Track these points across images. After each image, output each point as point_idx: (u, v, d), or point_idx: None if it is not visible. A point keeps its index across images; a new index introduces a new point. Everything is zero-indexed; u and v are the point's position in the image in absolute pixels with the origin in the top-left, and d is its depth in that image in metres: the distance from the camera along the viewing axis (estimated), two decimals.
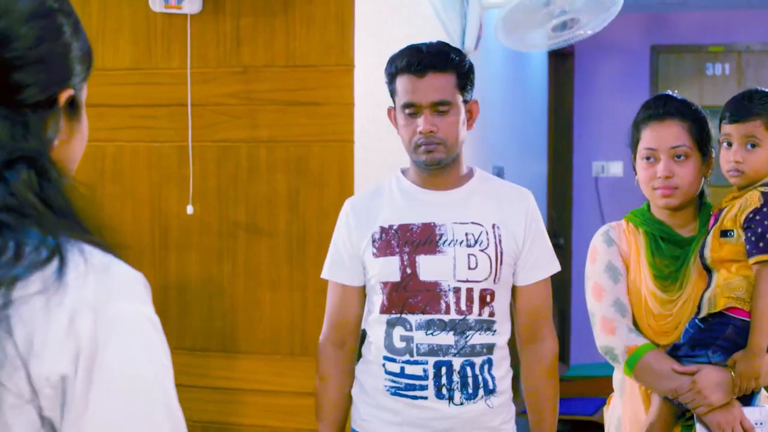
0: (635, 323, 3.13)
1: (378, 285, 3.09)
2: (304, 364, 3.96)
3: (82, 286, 1.25)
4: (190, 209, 4.04)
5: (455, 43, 5.12)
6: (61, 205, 1.29)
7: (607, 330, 3.11)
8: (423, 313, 3.03)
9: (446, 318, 3.02)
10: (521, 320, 3.19)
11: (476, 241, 3.05)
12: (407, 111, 3.05)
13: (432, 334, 3.02)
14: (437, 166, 3.07)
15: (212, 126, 4.07)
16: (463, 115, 3.07)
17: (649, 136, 3.12)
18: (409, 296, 3.05)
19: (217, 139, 4.07)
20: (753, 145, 3.01)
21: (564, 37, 5.05)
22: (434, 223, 3.07)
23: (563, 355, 8.17)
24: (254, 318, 4.06)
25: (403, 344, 3.05)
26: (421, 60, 3.03)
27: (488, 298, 3.05)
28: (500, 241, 3.07)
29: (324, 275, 3.24)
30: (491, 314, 3.06)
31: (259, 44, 4.01)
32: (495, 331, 3.07)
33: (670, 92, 3.23)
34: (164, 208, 4.14)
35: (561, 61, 8.66)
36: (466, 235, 3.05)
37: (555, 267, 3.19)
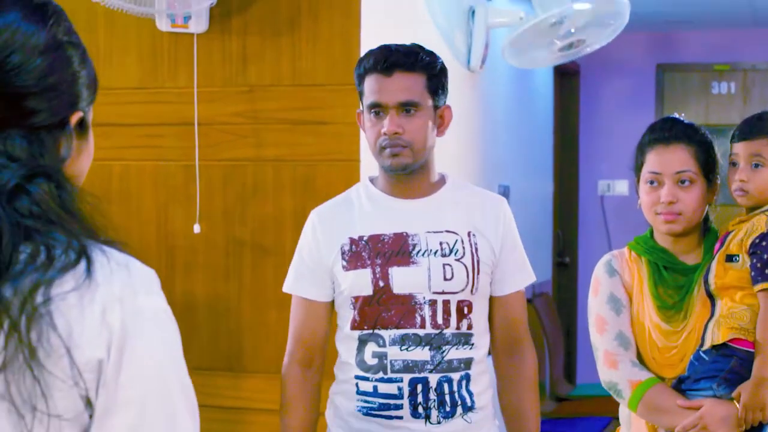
0: (640, 356, 3.04)
1: (349, 300, 2.94)
2: None
3: (109, 282, 1.42)
4: (197, 228, 4.05)
5: (461, 62, 5.13)
6: (77, 213, 1.46)
7: (610, 364, 3.02)
8: (397, 327, 2.89)
9: (421, 332, 2.88)
10: (499, 333, 3.06)
11: (451, 251, 2.92)
12: (373, 111, 2.91)
13: (407, 349, 2.88)
14: (403, 172, 2.92)
15: (218, 145, 4.08)
16: (432, 120, 2.93)
17: (653, 160, 3.04)
18: (382, 310, 2.90)
19: (224, 158, 4.08)
20: (758, 165, 2.96)
21: (570, 54, 5.07)
22: (407, 232, 2.93)
23: (569, 375, 8.15)
24: (260, 337, 4.05)
25: (375, 361, 2.91)
26: (388, 58, 2.90)
27: (466, 310, 2.93)
28: (476, 249, 2.94)
29: (287, 289, 3.10)
30: (469, 327, 2.93)
31: (265, 63, 4.02)
32: (473, 344, 2.94)
33: (676, 115, 3.17)
34: (170, 227, 4.15)
35: (567, 79, 8.66)
36: (441, 244, 2.92)
37: (531, 277, 3.09)
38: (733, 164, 3.02)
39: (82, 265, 1.41)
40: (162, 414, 1.44)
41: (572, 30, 4.81)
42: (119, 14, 4.06)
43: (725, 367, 2.87)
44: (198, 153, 4.06)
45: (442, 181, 3.04)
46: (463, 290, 2.91)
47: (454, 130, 3.47)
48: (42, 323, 1.37)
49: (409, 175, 2.94)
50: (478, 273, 2.93)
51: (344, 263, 2.94)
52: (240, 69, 4.06)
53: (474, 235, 2.95)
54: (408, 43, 3.02)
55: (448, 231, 2.94)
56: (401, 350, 2.88)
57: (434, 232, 2.93)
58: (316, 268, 3.01)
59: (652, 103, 8.81)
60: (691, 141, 3.03)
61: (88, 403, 1.41)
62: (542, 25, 4.77)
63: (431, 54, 2.97)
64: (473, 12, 5.18)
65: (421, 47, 2.98)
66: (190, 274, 4.12)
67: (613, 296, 3.06)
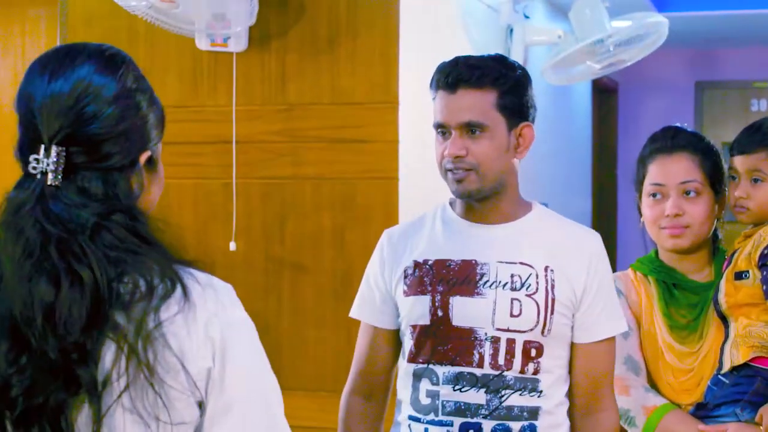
0: (652, 382, 2.85)
1: (408, 328, 2.66)
2: None
3: (203, 301, 1.65)
4: (232, 246, 4.06)
5: None
6: (154, 241, 1.66)
7: (620, 390, 2.77)
8: (452, 364, 2.56)
9: (478, 372, 2.54)
10: (577, 385, 2.65)
11: (523, 284, 2.57)
12: (439, 131, 2.63)
13: (461, 390, 2.55)
14: (470, 199, 2.62)
15: (257, 163, 4.09)
16: (505, 141, 2.60)
17: (655, 171, 2.86)
18: (438, 343, 2.59)
19: (262, 176, 4.09)
20: (757, 180, 2.76)
21: (607, 69, 5.06)
22: (476, 260, 2.60)
23: None
24: (299, 355, 4.06)
25: (428, 401, 2.59)
26: (452, 73, 2.59)
27: (534, 353, 2.56)
28: (552, 286, 2.57)
29: (353, 314, 2.85)
30: (537, 371, 2.56)
31: (304, 82, 4.04)
32: (541, 392, 2.56)
33: (680, 125, 2.98)
34: (209, 245, 4.16)
35: (605, 97, 8.65)
36: (512, 276, 2.57)
37: (620, 326, 2.66)
38: (732, 178, 2.83)
39: (179, 290, 1.62)
40: (262, 407, 1.70)
41: (611, 49, 4.80)
42: (160, 33, 4.10)
43: (749, 389, 2.68)
44: (236, 171, 4.08)
45: (527, 208, 2.71)
46: (531, 330, 2.56)
47: None
48: (157, 345, 1.58)
49: (482, 200, 2.63)
50: (551, 313, 2.56)
51: (405, 288, 2.66)
52: (279, 87, 4.07)
53: (552, 270, 2.59)
54: (489, 53, 2.72)
55: (522, 263, 2.60)
56: (454, 390, 2.56)
57: (506, 263, 2.59)
58: (380, 292, 2.74)
59: (691, 121, 8.78)
60: (696, 149, 2.86)
61: (200, 406, 1.64)
62: (586, 47, 4.77)
63: (506, 66, 2.63)
64: (511, 30, 5.17)
65: (497, 58, 2.66)
66: None
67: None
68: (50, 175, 1.63)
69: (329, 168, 4.01)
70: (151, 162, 1.74)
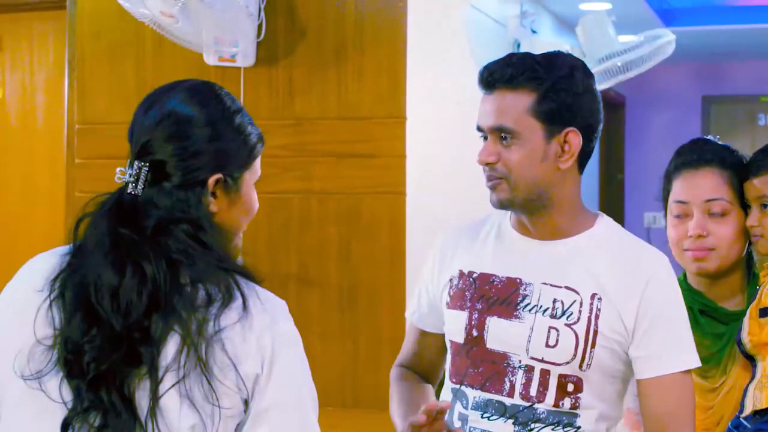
0: None
1: (448, 342, 2.47)
2: (356, 415, 3.94)
3: (260, 313, 1.87)
4: (239, 260, 4.05)
5: None
6: (213, 247, 1.90)
7: (632, 425, 2.55)
8: (482, 389, 2.36)
9: (507, 401, 2.33)
10: (646, 426, 2.37)
11: (564, 312, 2.31)
12: (480, 135, 2.38)
13: (488, 418, 2.34)
14: (506, 209, 2.41)
15: (264, 178, 4.04)
16: (540, 149, 2.31)
17: (679, 188, 2.60)
18: (470, 365, 2.38)
19: (269, 190, 4.09)
20: (766, 206, 2.53)
21: (612, 81, 5.07)
22: (521, 279, 2.37)
23: None
24: None
25: (459, 424, 2.39)
26: (493, 70, 2.34)
27: (571, 387, 2.31)
28: (597, 317, 2.30)
29: (406, 313, 2.65)
30: (575, 407, 2.31)
31: (311, 96, 4.04)
32: (579, 428, 2.31)
33: (711, 137, 2.76)
34: None
35: (612, 111, 8.65)
36: (554, 302, 2.32)
37: (690, 361, 2.33)
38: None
39: (239, 300, 1.85)
40: (297, 411, 1.88)
41: (619, 64, 4.80)
42: (167, 48, 4.11)
43: None
44: None
45: (588, 223, 2.43)
46: (568, 363, 2.30)
47: None
48: (216, 347, 1.80)
49: (528, 213, 2.38)
50: (592, 346, 2.30)
51: (448, 299, 2.46)
52: (286, 102, 4.08)
53: (599, 299, 2.31)
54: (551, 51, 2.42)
55: (568, 288, 2.33)
56: (482, 417, 2.35)
57: (551, 286, 2.34)
58: (429, 296, 2.55)
59: (698, 135, 8.77)
60: (725, 164, 2.59)
61: (245, 403, 1.84)
62: (590, 63, 4.78)
63: (552, 65, 2.34)
64: (518, 45, 5.18)
65: (550, 55, 2.38)
66: None
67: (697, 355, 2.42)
68: (130, 186, 1.90)
69: (336, 182, 4.01)
70: (227, 185, 1.98)
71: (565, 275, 2.34)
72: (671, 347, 2.31)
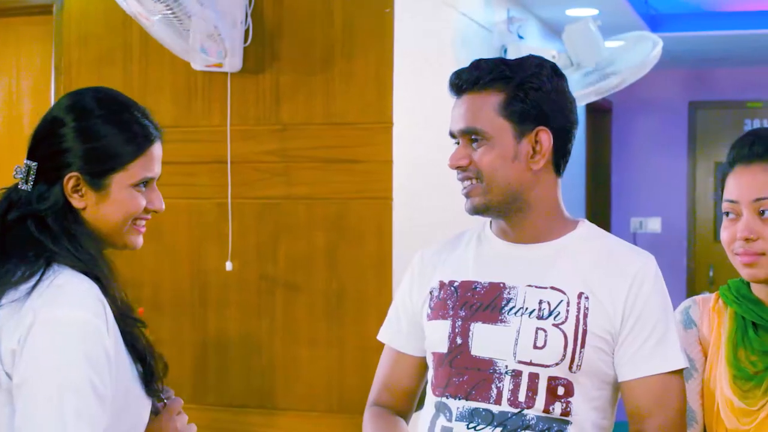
0: None
1: (429, 356, 2.40)
2: (341, 420, 3.95)
3: (40, 296, 1.95)
4: (229, 266, 4.06)
5: None
6: (49, 238, 2.02)
7: None
8: (467, 398, 2.27)
9: (495, 409, 2.24)
10: (630, 427, 2.30)
11: (551, 313, 2.25)
12: (453, 142, 2.36)
13: (474, 428, 2.25)
14: (481, 215, 2.36)
15: (251, 183, 4.10)
16: (511, 149, 2.28)
17: (731, 185, 2.30)
18: (454, 374, 2.30)
19: (256, 196, 4.10)
20: (764, 212, 2.26)
21: (599, 90, 5.08)
22: (504, 284, 2.31)
23: None
24: (292, 374, 4.06)
25: None
26: (459, 75, 2.35)
27: (561, 391, 2.24)
28: (585, 315, 2.24)
29: (379, 336, 2.56)
30: (566, 413, 2.23)
31: (298, 102, 4.05)
32: None
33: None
34: (203, 265, 4.16)
35: (599, 116, 8.66)
36: (540, 303, 2.27)
37: (676, 362, 2.27)
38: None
39: (32, 282, 1.96)
40: (47, 392, 1.90)
41: (606, 72, 4.82)
42: (154, 53, 4.11)
43: None
44: (231, 191, 4.08)
45: (570, 227, 2.38)
46: (557, 364, 2.23)
47: None
48: None
49: (505, 217, 2.35)
50: (582, 346, 2.23)
51: (429, 311, 2.39)
52: (273, 107, 4.08)
53: (587, 298, 2.26)
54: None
55: (553, 288, 2.28)
56: (468, 428, 2.26)
57: (536, 287, 2.29)
58: (407, 317, 2.48)
59: (685, 141, 8.80)
60: None
61: (9, 377, 1.94)
62: (578, 72, 4.79)
63: (520, 66, 2.32)
64: (505, 50, 5.19)
65: (524, 57, 2.36)
66: (223, 311, 4.13)
67: (685, 355, 2.31)
68: (20, 182, 2.08)
69: (323, 188, 4.01)
70: (93, 183, 2.07)
71: (550, 276, 2.29)
72: (657, 347, 2.25)
